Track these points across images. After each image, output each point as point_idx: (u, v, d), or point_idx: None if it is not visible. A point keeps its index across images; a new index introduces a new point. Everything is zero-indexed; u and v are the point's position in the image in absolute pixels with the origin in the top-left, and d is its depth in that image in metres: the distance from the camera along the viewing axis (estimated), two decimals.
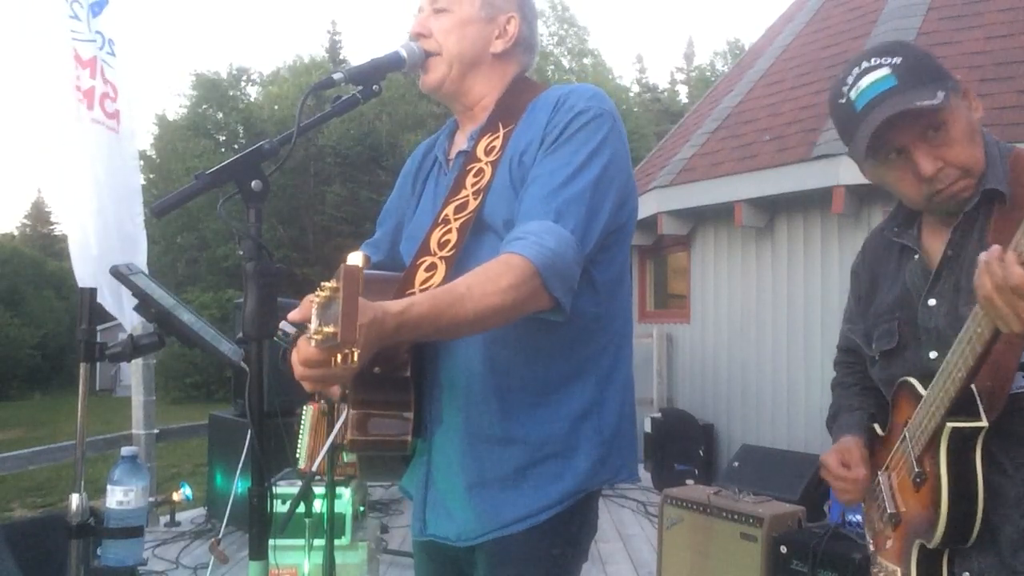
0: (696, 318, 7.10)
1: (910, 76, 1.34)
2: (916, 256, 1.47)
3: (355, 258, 0.99)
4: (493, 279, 1.24)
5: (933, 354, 1.39)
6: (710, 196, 6.42)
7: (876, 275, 1.59)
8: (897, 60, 1.36)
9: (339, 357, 0.98)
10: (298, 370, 1.13)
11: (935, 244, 1.45)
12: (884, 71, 1.35)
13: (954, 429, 1.29)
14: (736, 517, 3.41)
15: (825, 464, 1.57)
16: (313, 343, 1.02)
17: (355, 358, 0.98)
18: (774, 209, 6.22)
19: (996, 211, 1.36)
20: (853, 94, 1.38)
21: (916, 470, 1.37)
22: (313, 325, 1.02)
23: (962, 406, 1.28)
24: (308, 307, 1.09)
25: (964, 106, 1.38)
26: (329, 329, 0.96)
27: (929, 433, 1.33)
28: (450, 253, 1.39)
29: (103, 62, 4.50)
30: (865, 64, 1.38)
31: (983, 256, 1.13)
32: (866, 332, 1.56)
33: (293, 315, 1.23)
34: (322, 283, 1.01)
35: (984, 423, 1.27)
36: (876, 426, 1.57)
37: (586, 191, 1.37)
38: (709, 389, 6.88)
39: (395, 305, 1.14)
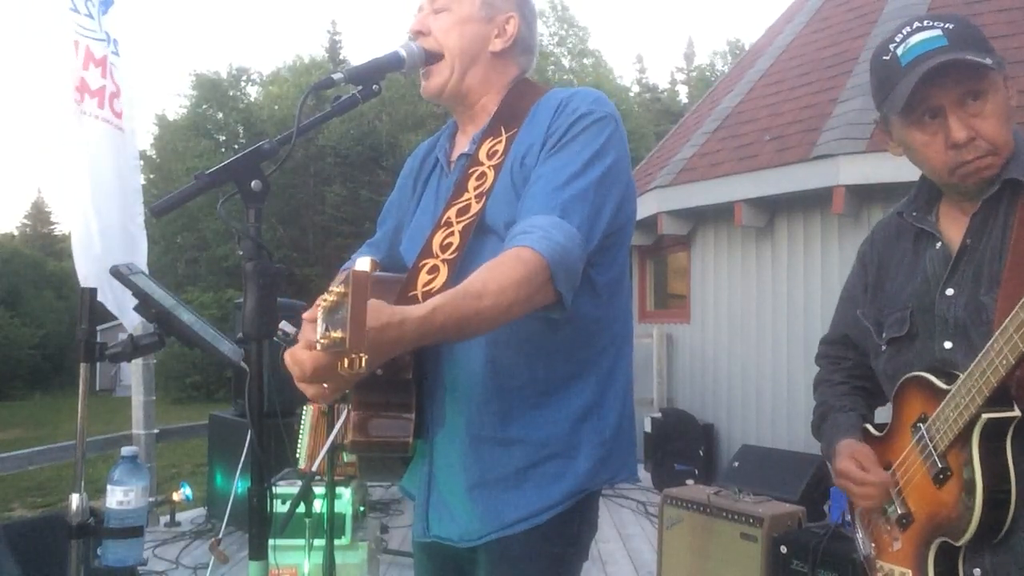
0: (696, 318, 7.10)
1: (961, 39, 1.34)
2: (939, 244, 1.44)
3: (363, 263, 0.98)
4: (507, 273, 1.24)
5: (948, 344, 1.37)
6: (710, 196, 6.42)
7: (885, 261, 1.56)
8: (949, 25, 1.36)
9: (346, 363, 0.96)
10: (298, 374, 1.12)
11: (953, 232, 1.42)
12: (936, 32, 1.35)
13: (989, 420, 1.26)
14: (736, 517, 3.41)
15: (844, 472, 1.50)
16: (319, 347, 1.01)
17: (363, 364, 0.97)
18: (774, 209, 6.22)
19: (1019, 203, 1.34)
20: (900, 51, 1.37)
21: (939, 466, 1.34)
22: (319, 330, 1.00)
23: (995, 397, 1.25)
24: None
25: (1004, 86, 1.37)
26: (337, 334, 0.95)
27: (959, 427, 1.29)
28: (452, 256, 1.39)
29: (109, 62, 4.51)
30: (917, 24, 1.38)
31: None
32: (876, 319, 1.53)
33: (309, 314, 1.22)
34: (330, 287, 1.00)
35: (1017, 413, 1.25)
36: (869, 427, 1.55)
37: (590, 190, 1.37)
38: (709, 389, 6.88)
39: (416, 310, 1.13)
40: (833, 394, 1.66)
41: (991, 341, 1.23)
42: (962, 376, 1.29)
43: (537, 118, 1.47)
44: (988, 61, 1.29)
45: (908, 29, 1.39)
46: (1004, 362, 1.20)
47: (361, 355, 0.96)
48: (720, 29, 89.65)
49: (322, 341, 0.99)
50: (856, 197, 5.47)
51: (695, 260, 7.13)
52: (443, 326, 1.16)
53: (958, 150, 1.34)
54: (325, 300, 1.01)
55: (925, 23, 1.38)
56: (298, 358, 1.09)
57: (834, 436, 1.57)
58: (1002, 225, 1.35)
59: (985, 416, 1.26)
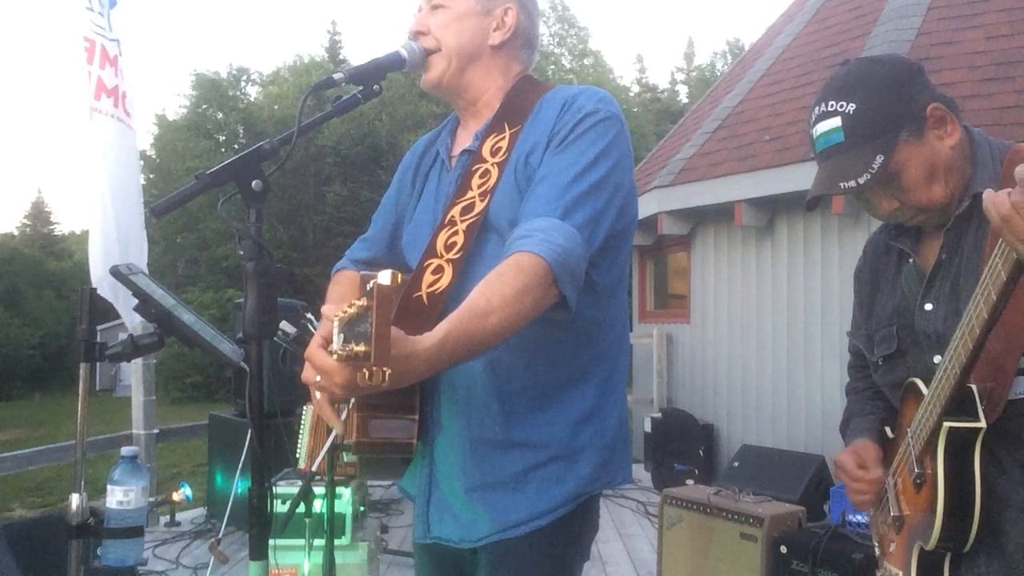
0: (696, 318, 7.10)
1: (857, 131, 1.35)
2: (911, 260, 1.47)
3: (386, 276, 0.96)
4: (509, 284, 1.22)
5: (937, 358, 1.38)
6: (710, 196, 6.42)
7: (876, 279, 1.58)
8: (851, 108, 1.36)
9: (367, 375, 0.95)
10: (315, 380, 1.11)
11: (930, 248, 1.45)
12: (835, 122, 1.37)
13: (952, 429, 1.28)
14: (736, 517, 3.41)
15: (842, 464, 1.55)
16: (336, 358, 0.99)
17: (386, 377, 0.95)
18: (774, 209, 6.22)
19: None
20: (814, 134, 1.42)
21: (916, 471, 1.36)
22: (336, 342, 0.99)
23: (961, 406, 1.27)
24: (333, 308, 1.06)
25: (933, 138, 1.36)
26: (359, 348, 0.94)
27: (927, 433, 1.32)
28: (457, 256, 1.39)
29: (120, 61, 4.52)
30: (823, 108, 1.40)
31: (988, 192, 1.10)
32: (868, 337, 1.56)
33: (327, 309, 1.20)
34: (351, 300, 0.98)
35: (982, 424, 1.26)
36: (887, 429, 1.57)
37: (593, 191, 1.37)
38: (709, 389, 6.88)
39: (425, 342, 1.10)
40: (857, 400, 1.69)
41: (944, 355, 1.27)
42: (931, 385, 1.32)
43: (542, 115, 1.46)
44: (870, 173, 1.32)
45: (818, 111, 1.41)
46: (954, 371, 1.24)
47: (385, 369, 0.94)
48: (720, 29, 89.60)
49: (340, 353, 0.97)
50: (854, 198, 5.46)
51: (695, 260, 7.12)
52: (454, 353, 1.15)
53: (891, 216, 1.43)
54: (344, 312, 0.99)
55: (830, 106, 1.38)
56: (317, 362, 1.09)
57: (851, 439, 1.61)
58: (975, 238, 1.37)
59: (947, 425, 1.28)
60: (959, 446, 1.28)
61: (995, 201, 1.07)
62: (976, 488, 1.27)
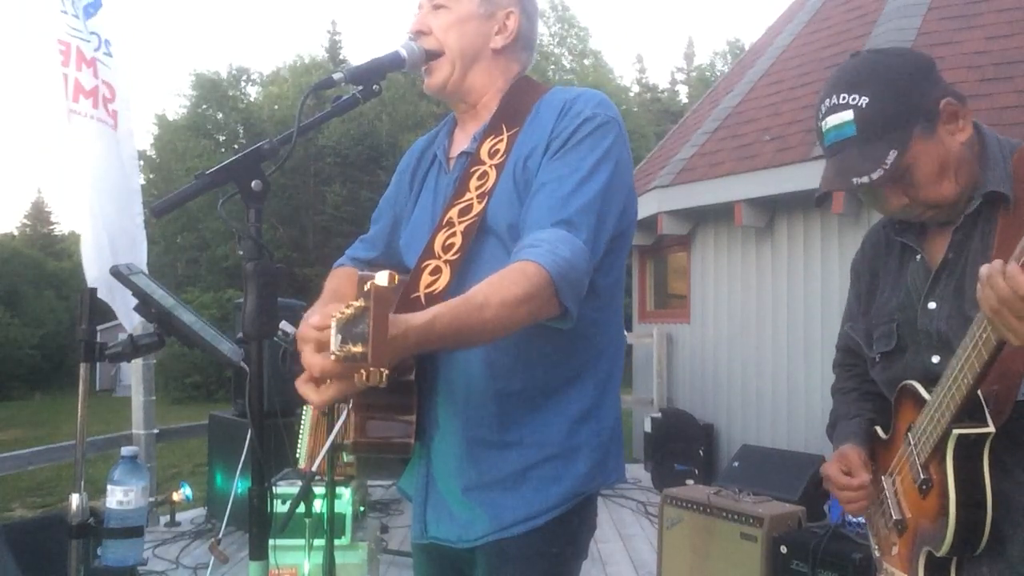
0: (696, 318, 7.10)
1: (870, 125, 1.32)
2: (919, 256, 1.45)
3: (383, 277, 0.96)
4: (508, 287, 1.23)
5: (936, 358, 1.38)
6: (710, 196, 6.42)
7: (876, 272, 1.57)
8: (863, 101, 1.33)
9: (365, 376, 0.96)
10: (307, 383, 1.12)
11: (937, 245, 1.43)
12: (847, 115, 1.34)
13: (960, 436, 1.27)
14: (736, 517, 3.41)
15: (827, 475, 1.55)
16: (333, 358, 1.00)
17: (383, 378, 0.96)
18: (774, 209, 6.22)
19: (1000, 213, 1.34)
20: (823, 127, 1.39)
21: (922, 477, 1.35)
22: (334, 343, 0.99)
23: (968, 411, 1.25)
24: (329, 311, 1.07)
25: (944, 133, 1.35)
26: (357, 348, 0.95)
27: (935, 439, 1.30)
28: (455, 257, 1.39)
29: (100, 62, 4.52)
30: (834, 100, 1.36)
31: (984, 270, 1.10)
32: (867, 332, 1.54)
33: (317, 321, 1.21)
34: (349, 301, 0.99)
35: (991, 429, 1.25)
36: (878, 429, 1.55)
37: (596, 199, 1.37)
38: (709, 389, 6.88)
39: (417, 319, 1.12)
40: (843, 402, 1.67)
41: (953, 359, 1.24)
42: (935, 390, 1.30)
43: (540, 118, 1.46)
44: (884, 168, 1.29)
45: (828, 103, 1.37)
46: (966, 381, 1.22)
47: (382, 370, 0.95)
48: (720, 29, 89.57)
49: (337, 353, 0.98)
50: (856, 197, 5.46)
51: (695, 260, 7.13)
52: (443, 335, 1.15)
53: (901, 213, 1.40)
54: (342, 313, 1.00)
55: (841, 98, 1.35)
56: (309, 362, 1.09)
57: (837, 443, 1.59)
58: (981, 237, 1.35)
59: (956, 432, 1.27)
60: (968, 452, 1.27)
61: (994, 283, 1.09)
62: (987, 494, 1.26)
